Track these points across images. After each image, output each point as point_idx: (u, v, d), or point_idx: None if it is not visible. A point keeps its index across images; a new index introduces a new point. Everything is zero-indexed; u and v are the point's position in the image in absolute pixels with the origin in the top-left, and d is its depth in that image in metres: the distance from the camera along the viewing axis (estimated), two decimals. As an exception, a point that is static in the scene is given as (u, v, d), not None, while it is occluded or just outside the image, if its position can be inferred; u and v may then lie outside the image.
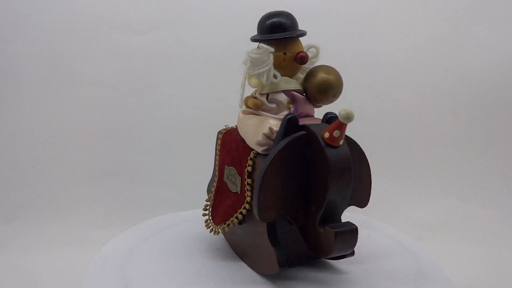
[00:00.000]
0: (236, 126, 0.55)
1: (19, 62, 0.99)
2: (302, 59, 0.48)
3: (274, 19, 0.49)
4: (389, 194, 1.00)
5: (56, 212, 0.96)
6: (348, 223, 0.44)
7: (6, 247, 0.86)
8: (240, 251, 0.56)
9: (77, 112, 1.01)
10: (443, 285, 0.49)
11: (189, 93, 1.02)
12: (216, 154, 0.59)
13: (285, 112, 0.49)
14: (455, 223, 0.94)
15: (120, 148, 1.01)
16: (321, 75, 0.49)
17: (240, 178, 0.51)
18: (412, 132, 1.04)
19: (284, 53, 0.49)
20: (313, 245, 0.45)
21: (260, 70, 0.48)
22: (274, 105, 0.50)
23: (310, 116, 0.50)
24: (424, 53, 1.04)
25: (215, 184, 0.58)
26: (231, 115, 0.56)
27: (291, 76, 0.50)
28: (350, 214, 0.53)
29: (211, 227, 0.55)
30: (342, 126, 0.41)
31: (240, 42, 0.51)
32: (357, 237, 0.43)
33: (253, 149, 0.49)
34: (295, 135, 0.44)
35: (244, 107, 0.52)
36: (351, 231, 0.43)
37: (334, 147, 0.42)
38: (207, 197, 0.59)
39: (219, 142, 0.57)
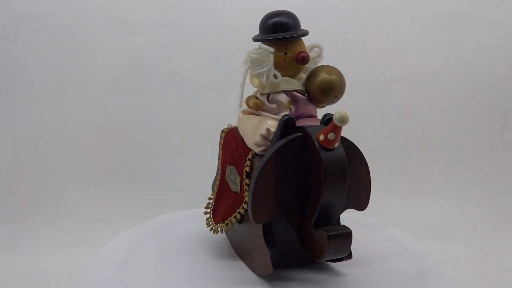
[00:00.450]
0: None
1: (19, 62, 0.99)
2: (303, 59, 0.48)
3: (275, 19, 0.49)
4: (389, 194, 1.00)
5: (56, 212, 0.96)
6: (343, 226, 0.43)
7: (6, 247, 0.86)
8: (240, 250, 0.56)
9: (77, 112, 1.01)
10: (443, 285, 0.49)
11: (189, 93, 1.02)
12: (219, 153, 0.59)
13: (285, 112, 0.49)
14: (455, 223, 0.94)
15: (120, 148, 1.01)
16: (323, 76, 0.48)
17: (240, 178, 0.51)
18: (412, 132, 1.04)
19: (285, 53, 0.48)
20: (308, 247, 0.45)
21: (260, 70, 0.48)
22: (274, 105, 0.50)
23: (313, 116, 0.50)
24: (424, 53, 1.04)
25: (217, 182, 0.58)
26: (231, 115, 0.56)
27: (292, 76, 0.50)
28: (350, 214, 0.52)
29: (211, 225, 0.55)
30: (336, 129, 0.41)
31: (240, 42, 0.51)
32: (351, 241, 0.43)
33: (251, 149, 0.49)
34: (291, 136, 0.44)
35: (243, 107, 0.52)
36: (345, 235, 0.42)
37: (329, 150, 0.42)
38: (210, 195, 0.59)
39: (221, 141, 0.57)
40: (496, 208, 0.98)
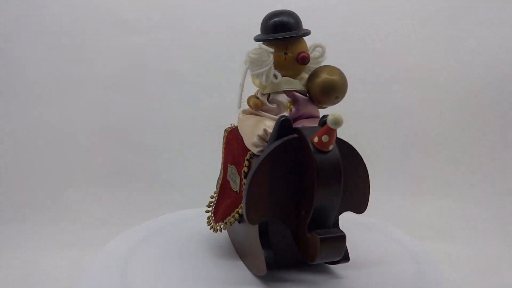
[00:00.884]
0: None
1: (19, 62, 0.99)
2: (303, 59, 0.48)
3: (275, 19, 0.49)
4: (389, 194, 1.00)
5: (56, 212, 0.96)
6: (337, 229, 0.43)
7: (5, 247, 0.86)
8: (239, 250, 0.56)
9: (77, 112, 1.01)
10: (443, 286, 0.49)
11: (189, 93, 1.02)
12: (222, 152, 0.59)
13: (285, 113, 0.49)
14: (455, 223, 0.94)
15: (120, 148, 1.01)
16: (324, 76, 0.48)
17: (239, 177, 0.51)
18: (413, 132, 1.04)
19: (285, 53, 0.48)
20: (303, 249, 0.45)
21: (260, 70, 0.48)
22: (274, 106, 0.49)
23: (314, 117, 0.50)
24: (424, 53, 1.04)
25: (220, 181, 0.58)
26: (231, 115, 0.56)
27: (293, 77, 0.50)
28: (350, 215, 0.52)
29: (212, 224, 0.55)
30: (330, 131, 0.40)
31: (241, 42, 0.51)
32: (344, 245, 0.42)
33: (250, 150, 0.49)
34: (286, 138, 0.44)
35: (243, 107, 0.52)
36: (338, 238, 0.42)
37: (324, 152, 0.41)
38: (212, 194, 0.59)
39: (224, 140, 0.57)
40: (496, 208, 0.98)
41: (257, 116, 0.50)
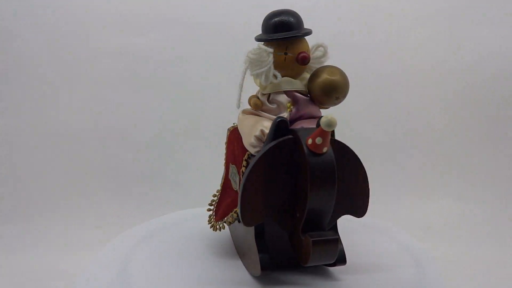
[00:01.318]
0: None
1: (19, 62, 0.99)
2: (303, 59, 0.47)
3: (275, 19, 0.48)
4: (389, 194, 1.00)
5: (56, 212, 0.96)
6: (331, 232, 0.43)
7: (5, 247, 0.86)
8: (239, 249, 0.56)
9: (77, 112, 1.01)
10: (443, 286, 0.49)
11: (189, 93, 1.02)
12: (225, 151, 0.59)
13: (285, 113, 0.49)
14: (455, 223, 0.94)
15: (120, 148, 1.01)
16: (324, 76, 0.48)
17: (239, 177, 0.51)
18: (412, 132, 1.04)
19: (285, 53, 0.48)
20: (297, 251, 0.44)
21: (259, 71, 0.48)
22: (275, 106, 0.49)
23: (315, 117, 0.49)
24: (425, 53, 1.04)
25: (222, 180, 0.58)
26: (232, 115, 0.56)
27: (294, 77, 0.49)
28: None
29: (212, 222, 0.55)
30: (324, 133, 0.40)
31: (243, 41, 0.51)
32: (337, 248, 0.42)
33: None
34: (280, 139, 0.43)
35: (241, 107, 0.52)
36: (330, 241, 0.41)
37: (318, 154, 0.41)
38: (214, 193, 0.59)
39: (226, 139, 0.57)
40: (497, 208, 0.98)
41: (256, 116, 0.50)
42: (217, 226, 0.54)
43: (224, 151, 0.59)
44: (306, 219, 0.42)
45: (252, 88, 0.51)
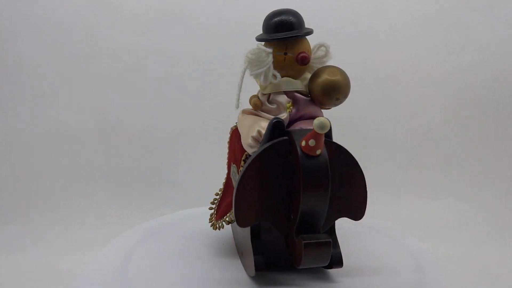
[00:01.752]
0: None
1: (19, 62, 0.99)
2: (302, 59, 0.47)
3: (275, 18, 0.48)
4: (389, 194, 1.00)
5: (55, 212, 0.96)
6: (324, 235, 0.42)
7: (5, 247, 0.86)
8: (238, 249, 0.56)
9: (76, 112, 1.01)
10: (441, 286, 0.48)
11: (189, 93, 1.02)
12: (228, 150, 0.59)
13: (285, 114, 0.49)
14: (455, 223, 0.94)
15: (120, 148, 1.01)
16: (324, 77, 0.47)
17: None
18: (413, 132, 1.04)
19: (285, 53, 0.48)
20: (292, 253, 0.44)
21: (258, 71, 0.47)
22: (274, 106, 0.49)
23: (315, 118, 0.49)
24: (425, 53, 1.04)
25: (225, 179, 0.58)
26: (233, 115, 0.56)
27: (295, 77, 0.49)
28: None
29: (213, 221, 0.55)
30: (317, 136, 0.40)
31: (241, 41, 0.50)
32: (329, 251, 0.41)
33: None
34: (275, 140, 0.43)
35: (240, 107, 0.51)
36: (322, 244, 0.41)
37: (311, 157, 0.41)
38: (217, 191, 0.59)
39: (228, 139, 0.57)
40: (497, 208, 0.98)
41: (254, 116, 0.50)
42: (217, 225, 0.54)
43: (227, 150, 0.59)
44: (300, 221, 0.42)
45: (251, 88, 0.51)
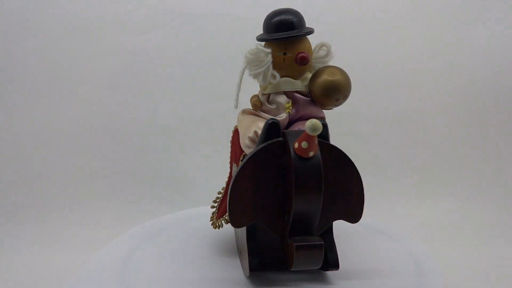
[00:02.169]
0: None
1: (19, 62, 0.99)
2: (301, 60, 0.47)
3: (275, 18, 0.48)
4: (389, 194, 0.99)
5: (55, 212, 0.96)
6: (316, 238, 0.42)
7: (4, 247, 0.86)
8: (238, 248, 0.56)
9: (76, 111, 1.01)
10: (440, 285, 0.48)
11: (189, 93, 1.02)
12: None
13: (284, 114, 0.48)
14: (455, 223, 0.93)
15: (120, 148, 1.01)
16: (324, 77, 0.47)
17: None
18: (412, 132, 1.04)
19: (284, 53, 0.47)
20: (286, 255, 0.44)
21: (257, 71, 0.47)
22: (274, 106, 0.49)
23: (317, 118, 0.49)
24: (425, 52, 1.04)
25: (228, 178, 0.58)
26: (234, 115, 0.56)
27: (295, 77, 0.49)
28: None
29: (213, 220, 0.55)
30: (310, 138, 0.39)
31: (241, 41, 0.50)
32: (321, 254, 0.41)
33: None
34: (270, 142, 0.43)
35: (239, 107, 0.51)
36: (313, 247, 0.41)
37: (304, 158, 0.40)
38: (220, 190, 0.59)
39: (231, 138, 0.57)
40: (497, 208, 0.97)
41: (253, 116, 0.50)
42: (217, 224, 0.54)
43: (230, 150, 0.59)
44: (293, 223, 0.42)
45: (251, 88, 0.51)
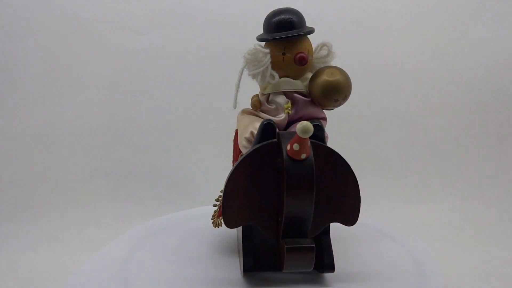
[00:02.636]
0: None
1: (19, 62, 0.99)
2: (300, 60, 0.47)
3: (274, 18, 0.48)
4: (389, 194, 0.99)
5: (55, 212, 0.96)
6: (308, 240, 0.42)
7: (4, 247, 0.86)
8: (238, 248, 0.56)
9: (76, 111, 1.01)
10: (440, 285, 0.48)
11: (189, 93, 1.02)
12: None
13: (283, 114, 0.48)
14: (455, 224, 0.93)
15: (120, 148, 1.01)
16: (323, 78, 0.46)
17: None
18: (412, 132, 1.04)
19: (283, 54, 0.47)
20: (279, 256, 0.44)
21: (255, 71, 0.47)
22: (273, 107, 0.49)
23: (317, 119, 0.48)
24: (424, 53, 1.04)
25: None
26: (232, 115, 0.56)
27: (295, 77, 0.49)
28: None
29: (214, 219, 0.55)
30: (301, 140, 0.39)
31: (241, 41, 0.50)
32: (312, 256, 0.41)
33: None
34: (264, 143, 0.43)
35: (239, 107, 0.51)
36: (304, 249, 0.41)
37: (296, 161, 0.40)
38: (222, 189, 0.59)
39: (233, 138, 0.57)
40: (497, 208, 0.97)
41: (251, 116, 0.50)
42: (217, 222, 0.54)
43: (232, 149, 0.59)
44: (285, 225, 0.42)
45: (250, 88, 0.51)
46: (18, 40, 0.99)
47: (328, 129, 0.50)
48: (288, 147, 0.40)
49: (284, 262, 0.41)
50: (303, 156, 0.40)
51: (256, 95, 0.51)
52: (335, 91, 0.47)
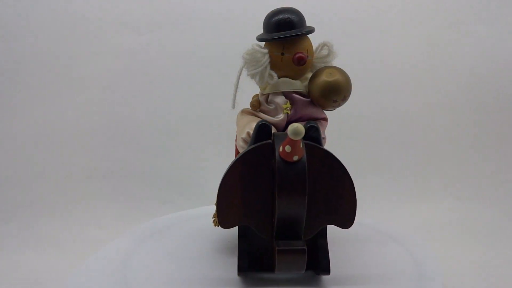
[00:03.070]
0: None
1: (18, 62, 0.99)
2: (299, 60, 0.46)
3: (274, 18, 0.48)
4: (389, 194, 0.99)
5: (55, 212, 0.96)
6: (300, 243, 0.42)
7: (3, 247, 0.86)
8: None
9: (76, 111, 1.01)
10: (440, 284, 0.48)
11: (189, 93, 1.02)
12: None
13: (281, 115, 0.48)
14: (455, 224, 0.93)
15: (120, 148, 1.01)
16: (322, 78, 0.46)
17: None
18: (412, 132, 1.04)
19: (282, 54, 0.47)
20: (273, 258, 0.44)
21: (254, 71, 0.47)
22: (272, 107, 0.49)
23: (317, 119, 0.48)
24: (422, 54, 1.04)
25: None
26: (232, 115, 0.56)
27: (294, 77, 0.48)
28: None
29: (214, 218, 0.55)
30: (293, 142, 0.39)
31: (241, 42, 0.50)
32: (304, 259, 0.41)
33: None
34: (258, 144, 0.43)
35: (237, 108, 0.51)
36: (295, 252, 0.41)
37: (288, 162, 0.40)
38: None
39: (235, 137, 0.57)
40: (497, 208, 0.97)
41: (250, 116, 0.50)
42: (217, 221, 0.54)
43: (234, 149, 0.59)
44: (278, 226, 0.42)
45: (249, 88, 0.51)
46: (18, 40, 0.99)
47: (328, 129, 0.50)
48: (281, 148, 0.40)
49: (276, 264, 0.41)
50: (295, 158, 0.40)
51: (256, 95, 0.51)
52: (334, 92, 0.46)
